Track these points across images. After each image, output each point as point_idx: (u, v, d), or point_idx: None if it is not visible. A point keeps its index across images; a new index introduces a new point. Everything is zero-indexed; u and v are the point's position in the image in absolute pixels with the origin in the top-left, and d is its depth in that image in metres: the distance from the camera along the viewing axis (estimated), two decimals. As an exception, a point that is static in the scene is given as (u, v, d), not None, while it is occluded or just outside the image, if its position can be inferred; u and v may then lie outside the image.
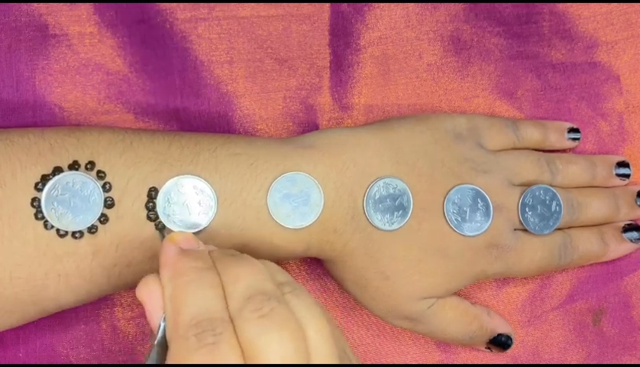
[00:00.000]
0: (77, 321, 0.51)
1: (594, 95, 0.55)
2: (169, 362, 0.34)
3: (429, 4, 0.53)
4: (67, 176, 0.43)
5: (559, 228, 0.51)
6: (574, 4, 0.54)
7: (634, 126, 0.56)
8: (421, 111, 0.54)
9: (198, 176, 0.45)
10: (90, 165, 0.44)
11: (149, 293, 0.37)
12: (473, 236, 0.49)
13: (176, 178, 0.44)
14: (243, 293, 0.35)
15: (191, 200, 0.45)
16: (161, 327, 0.36)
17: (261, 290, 0.35)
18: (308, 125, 0.53)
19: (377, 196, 0.47)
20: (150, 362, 0.36)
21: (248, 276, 0.36)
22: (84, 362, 0.50)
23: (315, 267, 0.53)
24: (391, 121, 0.50)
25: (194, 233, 0.45)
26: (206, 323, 0.34)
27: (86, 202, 0.43)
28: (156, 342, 0.36)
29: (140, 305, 0.50)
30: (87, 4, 0.50)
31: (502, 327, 0.52)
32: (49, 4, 0.49)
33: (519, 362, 0.54)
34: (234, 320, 0.35)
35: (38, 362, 0.50)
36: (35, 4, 0.49)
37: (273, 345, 0.33)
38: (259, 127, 0.52)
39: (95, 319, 0.51)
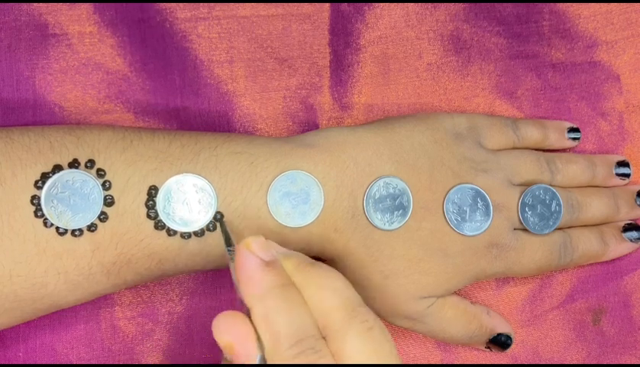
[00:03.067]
0: (77, 321, 0.51)
1: (594, 94, 0.55)
2: None
3: (429, 4, 0.53)
4: (67, 174, 0.43)
5: (559, 228, 0.51)
6: (574, 4, 0.54)
7: (634, 126, 0.56)
8: (421, 110, 0.54)
9: (199, 174, 0.45)
10: (90, 163, 0.44)
11: (238, 331, 0.36)
12: (472, 236, 0.49)
13: (176, 176, 0.44)
14: (340, 308, 0.36)
15: (191, 199, 0.45)
16: (258, 356, 0.35)
17: (358, 303, 0.36)
18: (308, 125, 0.53)
19: (377, 196, 0.47)
20: None
21: (340, 290, 0.37)
22: (84, 362, 0.50)
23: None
24: (391, 120, 0.50)
25: (193, 232, 0.45)
26: (307, 342, 0.34)
27: (86, 201, 0.43)
28: None
29: (140, 304, 0.51)
30: (87, 4, 0.50)
31: (501, 327, 0.52)
32: (49, 4, 0.49)
33: (519, 362, 0.54)
34: (332, 333, 0.35)
35: (38, 362, 0.50)
36: (35, 4, 0.49)
37: (375, 361, 0.34)
38: (259, 126, 0.52)
39: (95, 318, 0.51)
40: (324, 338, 0.35)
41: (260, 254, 0.37)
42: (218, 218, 0.45)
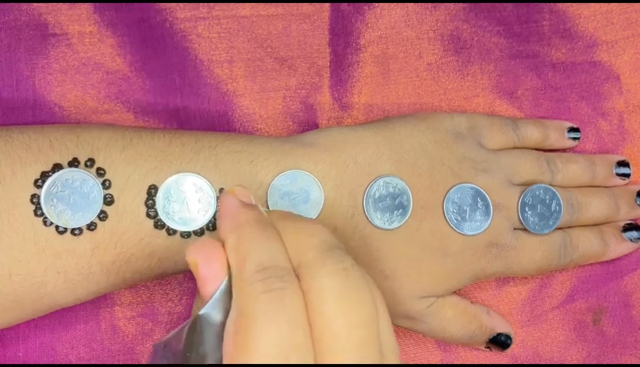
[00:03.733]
0: (77, 320, 0.50)
1: (594, 94, 0.55)
2: (233, 308, 0.33)
3: (429, 4, 0.53)
4: (67, 173, 0.43)
5: (559, 228, 0.51)
6: (574, 4, 0.55)
7: (634, 125, 0.56)
8: (421, 110, 0.54)
9: (198, 173, 0.45)
10: (90, 162, 0.44)
11: (206, 251, 0.35)
12: (472, 235, 0.48)
13: (175, 176, 0.44)
14: (316, 247, 0.35)
15: (191, 198, 0.45)
16: (224, 282, 0.34)
17: (335, 245, 0.35)
18: (308, 124, 0.53)
19: (377, 195, 0.47)
20: (206, 313, 0.34)
21: (318, 233, 0.36)
22: (84, 362, 0.50)
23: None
24: (391, 120, 0.50)
25: (193, 231, 0.45)
26: (273, 269, 0.33)
27: (86, 200, 0.43)
28: (217, 295, 0.34)
29: (140, 303, 0.51)
30: (87, 4, 0.50)
31: (501, 326, 0.52)
32: (49, 4, 0.50)
33: (519, 362, 0.54)
34: (304, 270, 0.34)
35: (38, 362, 0.50)
36: (35, 4, 0.49)
37: (345, 304, 0.33)
38: (259, 126, 0.52)
39: (94, 318, 0.51)
40: (297, 277, 0.34)
41: (241, 198, 0.37)
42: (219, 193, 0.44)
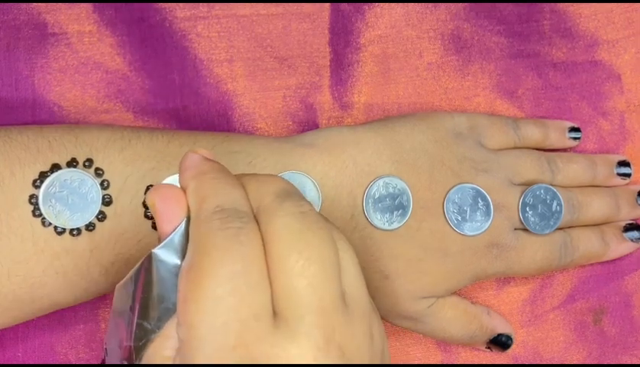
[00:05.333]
0: (76, 320, 0.50)
1: (595, 94, 0.55)
2: (189, 247, 0.33)
3: (430, 3, 0.53)
4: (65, 173, 0.43)
5: (559, 228, 0.51)
6: (575, 3, 0.54)
7: (635, 125, 0.56)
8: (422, 110, 0.54)
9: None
10: (88, 163, 0.44)
11: (165, 191, 0.35)
12: (473, 236, 0.48)
13: (174, 176, 0.44)
14: (275, 192, 0.34)
15: (189, 198, 0.44)
16: (182, 223, 0.34)
17: (295, 192, 0.34)
18: (307, 124, 0.53)
19: (377, 196, 0.47)
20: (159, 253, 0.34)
21: (278, 182, 0.35)
22: (83, 362, 0.50)
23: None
24: (391, 120, 0.50)
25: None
26: (232, 211, 0.33)
27: (84, 200, 0.43)
28: (173, 235, 0.34)
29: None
30: (86, 3, 0.50)
31: (502, 327, 0.52)
32: (48, 3, 0.49)
33: (519, 362, 0.54)
34: (262, 213, 0.33)
35: (37, 362, 0.50)
36: (34, 3, 0.49)
37: (299, 242, 0.32)
38: (258, 126, 0.52)
39: (94, 318, 0.51)
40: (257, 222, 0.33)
41: (205, 155, 0.36)
42: None
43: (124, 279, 0.35)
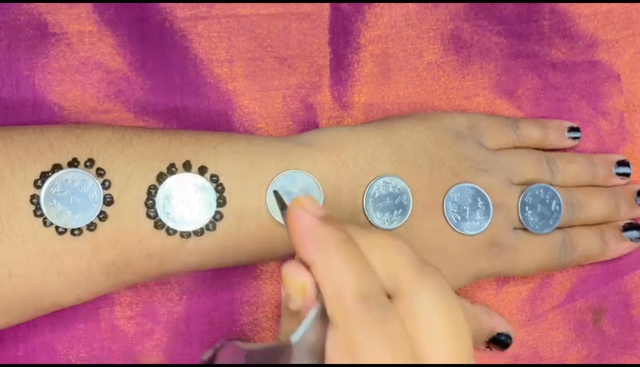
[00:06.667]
0: (77, 320, 0.50)
1: (594, 94, 0.55)
2: (334, 336, 0.33)
3: (429, 3, 0.53)
4: (66, 173, 0.43)
5: (559, 228, 0.51)
6: (575, 3, 0.54)
7: (634, 125, 0.56)
8: (422, 109, 0.54)
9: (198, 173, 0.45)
10: (89, 163, 0.44)
11: (306, 273, 0.35)
12: (472, 235, 0.48)
13: (175, 176, 0.44)
14: (410, 264, 0.35)
15: (190, 198, 0.45)
16: (315, 310, 0.34)
17: (424, 261, 0.35)
18: (308, 124, 0.53)
19: (377, 195, 0.47)
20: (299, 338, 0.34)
21: (405, 250, 0.36)
22: (83, 362, 0.50)
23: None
24: (391, 119, 0.50)
25: (193, 231, 0.45)
26: (374, 296, 0.33)
27: (85, 200, 0.43)
28: (310, 322, 0.34)
29: (140, 303, 0.51)
30: (87, 3, 0.50)
31: (501, 326, 0.52)
32: (48, 3, 0.49)
33: (519, 362, 0.54)
34: (404, 288, 0.34)
35: (37, 362, 0.50)
36: (35, 3, 0.49)
37: (451, 326, 0.34)
38: (259, 125, 0.52)
39: (94, 318, 0.51)
40: (390, 296, 0.34)
41: (314, 212, 0.36)
42: (276, 194, 0.42)
43: (251, 347, 0.36)
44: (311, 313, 0.35)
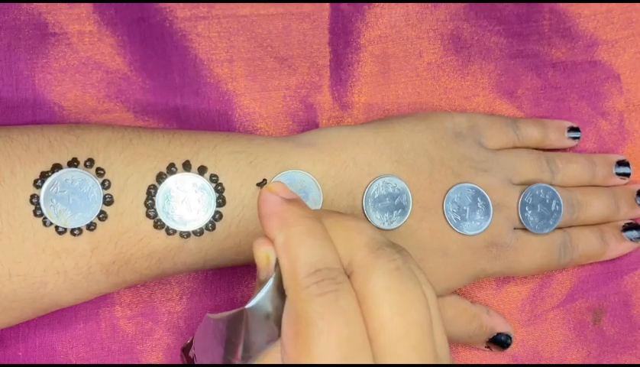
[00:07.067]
0: (77, 320, 0.51)
1: (594, 94, 0.55)
2: (287, 309, 0.34)
3: (429, 3, 0.53)
4: (66, 173, 0.43)
5: (559, 228, 0.51)
6: (574, 3, 0.54)
7: (634, 125, 0.56)
8: (422, 109, 0.54)
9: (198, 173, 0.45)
10: (89, 162, 0.44)
11: (270, 245, 0.36)
12: (472, 235, 0.48)
13: (175, 175, 0.44)
14: (366, 245, 0.35)
15: (190, 198, 0.45)
16: (271, 280, 0.35)
17: (385, 243, 0.35)
18: (308, 124, 0.53)
19: (376, 195, 0.47)
20: (257, 308, 0.35)
21: (366, 230, 0.36)
22: (84, 362, 0.50)
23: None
24: (391, 119, 0.50)
25: (192, 231, 0.45)
26: (325, 271, 0.34)
27: (85, 200, 0.43)
28: (266, 292, 0.35)
29: (140, 303, 0.51)
30: (87, 3, 0.50)
31: (501, 326, 0.52)
32: (48, 3, 0.49)
33: (519, 362, 0.54)
34: (357, 270, 0.34)
35: (37, 362, 0.50)
36: (35, 3, 0.49)
37: (400, 305, 0.33)
38: (259, 125, 0.52)
39: (94, 318, 0.51)
40: (348, 276, 0.35)
41: (281, 194, 0.37)
42: (261, 183, 0.45)
43: (217, 316, 0.37)
44: (268, 283, 0.35)
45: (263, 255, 0.36)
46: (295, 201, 0.37)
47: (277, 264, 0.35)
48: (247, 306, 0.35)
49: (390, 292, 0.33)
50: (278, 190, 0.37)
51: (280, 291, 0.35)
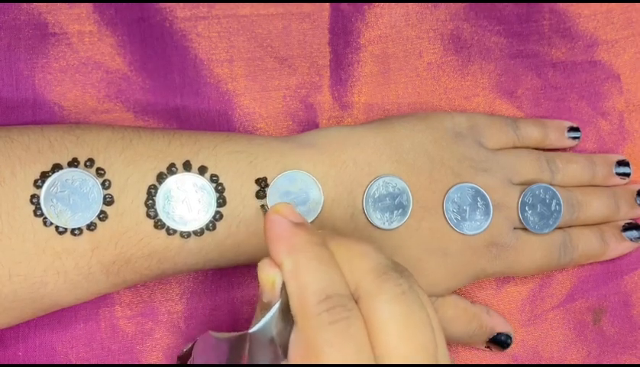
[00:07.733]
0: (77, 320, 0.50)
1: (594, 94, 0.55)
2: (296, 335, 0.34)
3: (429, 3, 0.53)
4: (66, 173, 0.43)
5: (559, 227, 0.51)
6: (574, 3, 0.54)
7: (634, 125, 0.56)
8: (422, 109, 0.54)
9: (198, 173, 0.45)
10: (89, 162, 0.44)
11: (267, 271, 0.36)
12: (472, 235, 0.48)
13: (175, 176, 0.44)
14: (372, 271, 0.35)
15: (190, 198, 0.45)
16: (277, 305, 0.35)
17: (390, 267, 0.36)
18: (308, 124, 0.53)
19: (377, 195, 0.47)
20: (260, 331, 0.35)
21: (371, 254, 0.36)
22: (84, 362, 0.50)
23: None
24: (391, 119, 0.50)
25: (193, 231, 0.45)
26: (336, 298, 0.34)
27: (85, 200, 0.43)
28: (270, 317, 0.35)
29: (140, 303, 0.51)
30: (87, 3, 0.50)
31: (501, 326, 0.52)
32: (48, 3, 0.49)
33: (519, 362, 0.54)
34: (363, 295, 0.35)
35: (38, 362, 0.50)
36: (35, 3, 0.49)
37: (406, 331, 0.34)
38: (259, 125, 0.52)
39: (94, 318, 0.51)
40: (355, 301, 0.35)
41: (289, 217, 0.37)
42: (262, 205, 0.45)
43: (218, 335, 0.37)
44: (273, 308, 0.35)
45: (268, 278, 0.36)
46: (303, 225, 0.37)
47: (283, 288, 0.35)
48: (251, 330, 0.35)
49: (396, 318, 0.34)
50: (286, 213, 0.37)
51: (285, 315, 0.35)
